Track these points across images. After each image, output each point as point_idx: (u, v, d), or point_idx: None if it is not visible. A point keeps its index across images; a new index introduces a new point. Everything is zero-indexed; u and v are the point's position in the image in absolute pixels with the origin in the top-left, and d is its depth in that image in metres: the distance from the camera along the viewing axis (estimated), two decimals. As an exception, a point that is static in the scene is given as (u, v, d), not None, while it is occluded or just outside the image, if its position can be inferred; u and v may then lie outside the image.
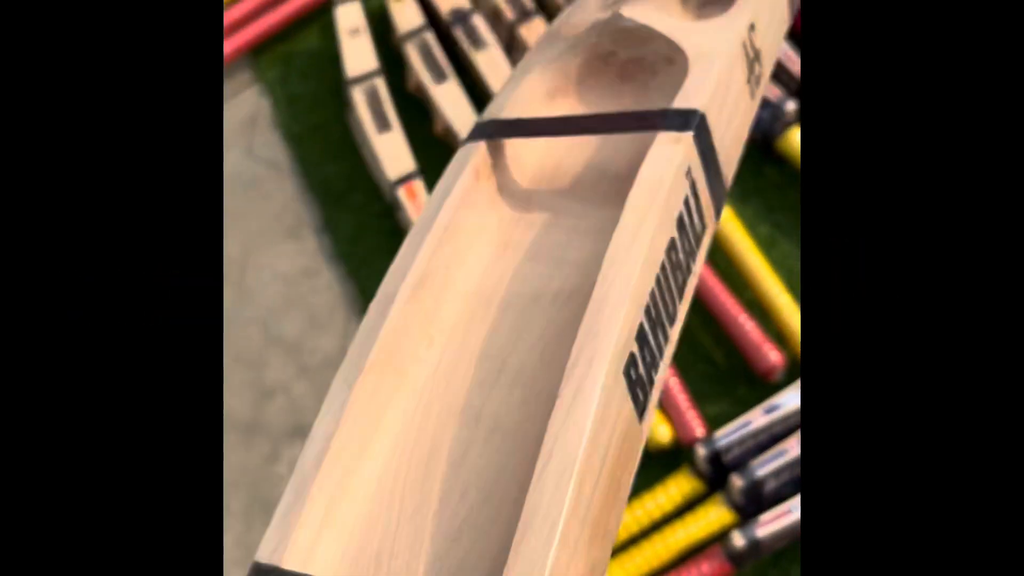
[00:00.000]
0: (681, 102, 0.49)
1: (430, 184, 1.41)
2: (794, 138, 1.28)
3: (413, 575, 0.38)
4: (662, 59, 0.58)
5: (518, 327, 0.46)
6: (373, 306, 0.46)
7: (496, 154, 0.54)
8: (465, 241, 0.50)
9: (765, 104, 1.28)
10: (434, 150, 1.45)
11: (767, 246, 1.30)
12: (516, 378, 0.44)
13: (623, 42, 0.58)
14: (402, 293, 0.46)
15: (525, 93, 0.56)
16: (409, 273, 0.46)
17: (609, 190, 0.52)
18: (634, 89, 0.58)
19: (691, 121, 0.47)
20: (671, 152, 0.45)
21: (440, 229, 0.49)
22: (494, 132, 0.53)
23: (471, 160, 0.52)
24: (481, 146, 0.53)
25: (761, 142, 1.32)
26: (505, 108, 0.54)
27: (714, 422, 1.18)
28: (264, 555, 0.38)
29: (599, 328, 0.39)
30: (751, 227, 1.32)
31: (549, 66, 0.57)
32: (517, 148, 0.54)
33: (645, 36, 0.56)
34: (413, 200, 1.29)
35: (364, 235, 1.43)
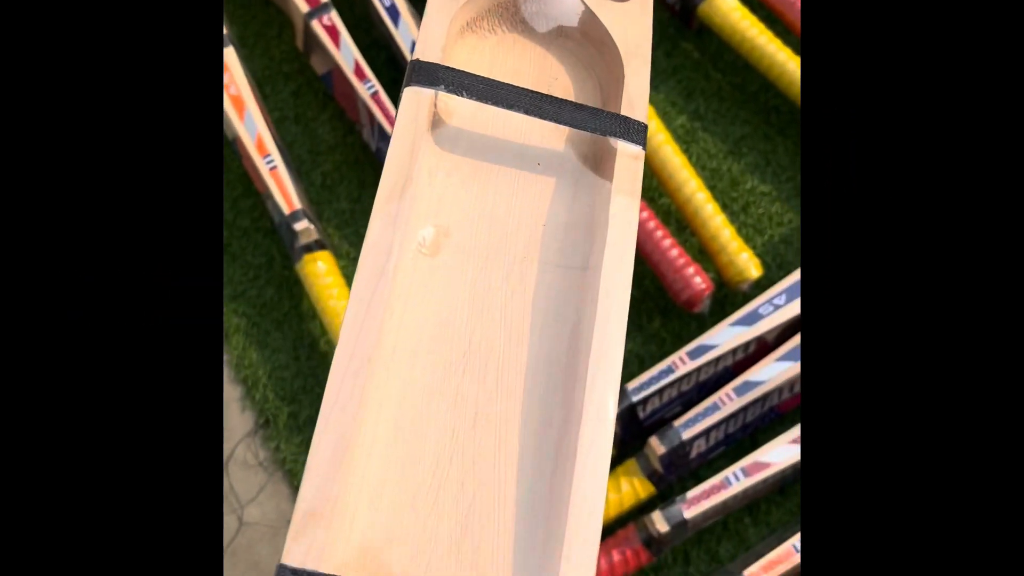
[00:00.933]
0: (627, 109, 0.58)
1: (248, 60, 1.07)
2: (721, 2, 1.01)
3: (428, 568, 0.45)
4: (575, 29, 0.63)
5: (476, 300, 0.52)
6: (362, 284, 0.49)
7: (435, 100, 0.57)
8: (410, 195, 0.53)
9: (687, -44, 1.00)
10: (255, 12, 1.10)
11: (685, 141, 1.03)
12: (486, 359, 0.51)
13: (550, 4, 0.63)
14: (387, 272, 0.49)
15: (451, 29, 0.59)
16: (393, 249, 0.50)
17: (540, 156, 0.58)
18: (544, 44, 0.63)
19: (642, 136, 0.57)
20: (635, 169, 0.56)
21: (410, 199, 0.52)
22: (440, 81, 0.55)
23: (423, 114, 0.55)
24: (429, 96, 0.56)
25: (680, 10, 1.05)
26: (443, 49, 0.57)
27: (623, 364, 0.94)
28: (296, 559, 0.44)
29: (608, 359, 0.49)
30: (666, 118, 1.05)
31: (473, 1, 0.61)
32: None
33: (583, 15, 0.62)
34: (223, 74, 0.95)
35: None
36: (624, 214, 0.54)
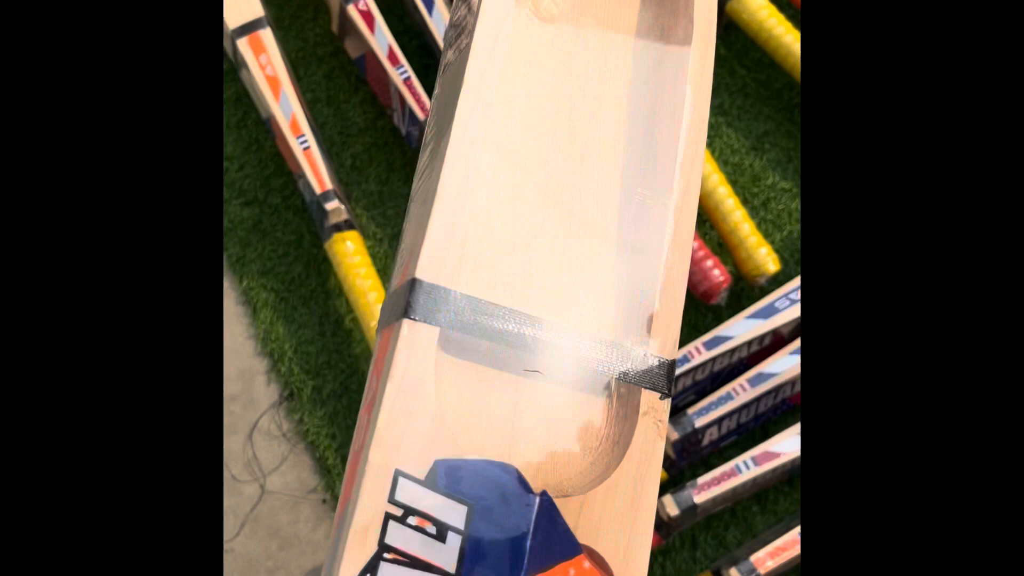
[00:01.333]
0: None
1: (283, 42, 1.09)
2: (751, 0, 1.03)
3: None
4: None
5: (573, 75, 0.57)
6: (484, 35, 0.53)
7: None
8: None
9: (718, -47, 1.01)
10: (292, -5, 1.13)
11: (708, 136, 1.05)
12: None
13: None
14: (506, 31, 0.54)
15: None
16: (510, 12, 0.54)
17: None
18: None
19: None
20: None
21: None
22: None
23: None
24: None
25: (708, 4, 1.06)
26: None
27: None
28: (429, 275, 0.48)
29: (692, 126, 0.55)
30: (690, 111, 1.07)
31: None
32: None
33: None
34: (259, 56, 0.97)
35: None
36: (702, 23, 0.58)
